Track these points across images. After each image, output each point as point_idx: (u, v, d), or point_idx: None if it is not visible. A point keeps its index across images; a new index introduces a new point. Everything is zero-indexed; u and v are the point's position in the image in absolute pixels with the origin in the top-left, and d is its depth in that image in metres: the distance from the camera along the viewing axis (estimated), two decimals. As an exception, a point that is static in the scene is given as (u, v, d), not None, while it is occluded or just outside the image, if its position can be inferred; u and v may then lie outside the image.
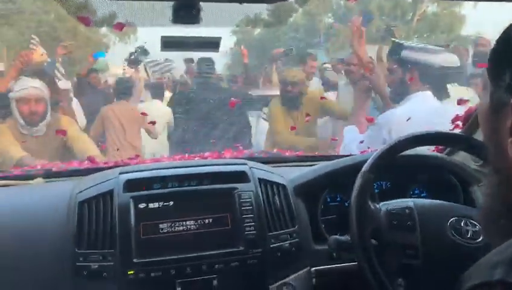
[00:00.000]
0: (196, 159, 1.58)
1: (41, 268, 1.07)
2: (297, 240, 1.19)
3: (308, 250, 1.21)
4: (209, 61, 4.07)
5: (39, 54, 3.55)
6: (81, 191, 1.16)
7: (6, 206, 1.20)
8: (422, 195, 1.38)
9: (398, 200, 1.11)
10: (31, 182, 1.37)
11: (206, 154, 1.61)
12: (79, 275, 1.05)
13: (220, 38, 1.02)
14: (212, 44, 1.02)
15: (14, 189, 1.33)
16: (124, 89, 3.88)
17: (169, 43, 1.00)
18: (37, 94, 2.59)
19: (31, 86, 2.61)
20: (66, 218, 1.11)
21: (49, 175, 1.43)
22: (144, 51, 5.09)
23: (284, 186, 1.26)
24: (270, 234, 1.17)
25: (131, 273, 1.06)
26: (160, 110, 4.15)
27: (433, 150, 1.52)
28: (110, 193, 1.14)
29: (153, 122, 3.58)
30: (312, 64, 4.50)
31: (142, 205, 1.13)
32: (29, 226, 1.13)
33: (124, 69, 5.06)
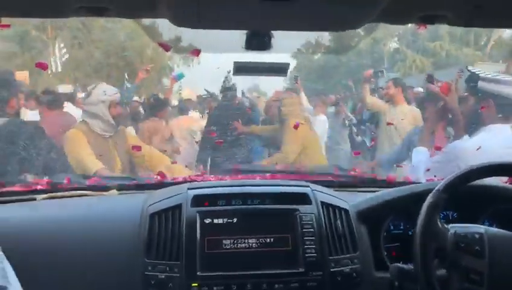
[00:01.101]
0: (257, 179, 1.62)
1: (113, 274, 1.14)
2: (358, 266, 1.18)
3: (369, 277, 1.20)
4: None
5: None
6: (152, 204, 1.24)
7: (82, 215, 1.29)
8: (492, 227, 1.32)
9: (469, 224, 1.08)
10: (105, 193, 1.47)
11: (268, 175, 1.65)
12: (147, 284, 1.11)
13: (288, 64, 1.06)
14: (281, 69, 1.06)
15: (90, 199, 1.43)
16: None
17: (241, 68, 1.06)
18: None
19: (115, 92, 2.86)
20: (137, 228, 1.19)
21: (122, 188, 1.53)
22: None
23: (346, 210, 1.26)
24: (331, 258, 1.17)
25: (195, 286, 1.10)
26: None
27: (506, 182, 1.45)
28: (178, 207, 1.20)
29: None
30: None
31: (207, 220, 1.18)
32: (102, 234, 1.21)
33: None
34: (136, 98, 5.03)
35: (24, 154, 2.24)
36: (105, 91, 2.77)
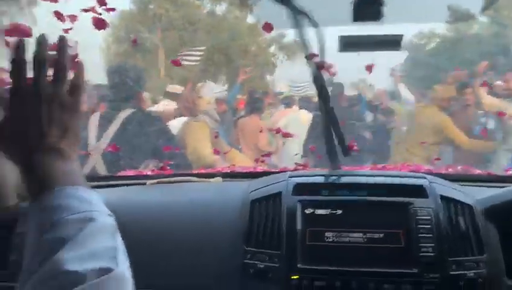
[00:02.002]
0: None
1: (213, 259, 1.12)
2: (485, 270, 1.01)
3: (498, 284, 1.02)
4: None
5: None
6: (253, 191, 1.20)
7: (187, 200, 1.31)
8: None
9: None
10: (211, 180, 1.48)
11: (379, 166, 1.52)
12: (246, 272, 1.07)
13: (401, 35, 0.94)
14: (394, 42, 0.94)
15: (195, 185, 1.45)
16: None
17: (349, 43, 0.96)
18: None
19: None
20: (238, 215, 1.16)
21: (227, 175, 1.53)
22: None
23: (470, 206, 1.09)
24: (451, 259, 1.02)
25: (295, 278, 1.04)
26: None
27: None
28: (279, 195, 1.14)
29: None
30: None
31: (309, 211, 1.11)
32: (205, 219, 1.20)
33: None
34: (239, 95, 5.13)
35: (147, 141, 2.42)
36: (212, 89, 2.88)
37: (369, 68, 1.02)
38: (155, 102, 4.60)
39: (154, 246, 1.16)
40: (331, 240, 1.08)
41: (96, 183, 1.51)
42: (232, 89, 4.96)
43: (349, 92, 4.68)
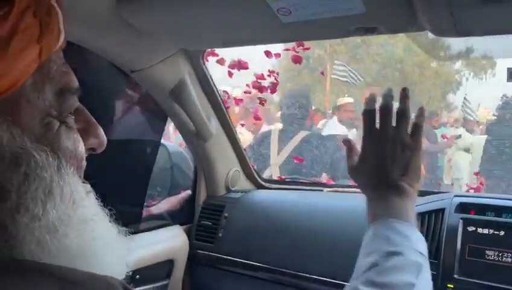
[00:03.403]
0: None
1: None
2: None
3: None
4: None
5: None
6: (418, 205, 1.32)
7: (358, 207, 1.49)
8: None
9: None
10: (357, 190, 1.64)
11: None
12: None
13: None
14: None
15: (342, 195, 1.63)
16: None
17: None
18: None
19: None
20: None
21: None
22: None
23: None
24: None
25: (451, 287, 1.13)
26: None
27: None
28: (442, 211, 1.25)
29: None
30: None
31: (470, 228, 1.19)
32: (345, 225, 1.37)
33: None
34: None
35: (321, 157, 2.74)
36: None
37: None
38: (324, 116, 4.88)
39: (323, 242, 1.38)
40: (491, 258, 1.14)
41: (279, 185, 1.82)
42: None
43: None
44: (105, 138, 0.55)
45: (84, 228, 0.49)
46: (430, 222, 1.25)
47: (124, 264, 0.54)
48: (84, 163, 0.53)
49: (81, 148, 0.52)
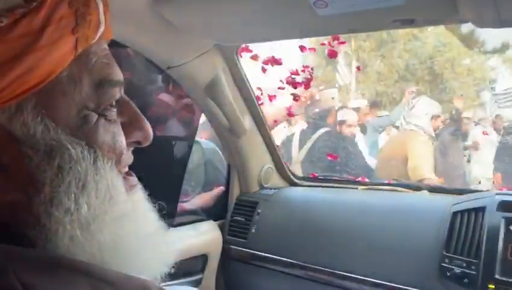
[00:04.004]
0: None
1: (412, 259, 1.26)
2: None
3: None
4: None
5: None
6: (456, 204, 1.29)
7: (393, 205, 1.47)
8: None
9: None
10: (417, 192, 1.61)
11: None
12: (443, 274, 1.18)
13: None
14: None
15: (401, 194, 1.59)
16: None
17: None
18: None
19: None
20: (439, 223, 1.27)
21: (432, 190, 1.62)
22: None
23: None
24: None
25: (492, 288, 1.09)
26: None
27: None
28: (482, 209, 1.20)
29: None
30: None
31: (513, 227, 1.14)
32: (407, 223, 1.34)
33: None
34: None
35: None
36: (428, 104, 2.89)
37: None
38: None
39: (357, 239, 1.37)
40: (537, 258, 1.09)
41: (312, 183, 1.81)
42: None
43: None
44: (151, 131, 0.54)
45: (120, 224, 0.48)
46: (470, 220, 1.21)
47: (162, 261, 0.53)
48: (126, 157, 0.52)
49: (122, 141, 0.50)
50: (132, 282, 0.46)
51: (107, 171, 0.47)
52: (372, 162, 3.32)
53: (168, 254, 0.54)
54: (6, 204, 0.44)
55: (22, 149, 0.43)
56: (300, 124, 3.67)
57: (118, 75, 0.50)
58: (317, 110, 3.90)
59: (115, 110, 0.49)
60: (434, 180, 2.78)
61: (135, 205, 0.52)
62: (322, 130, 3.10)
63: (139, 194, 0.54)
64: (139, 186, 0.54)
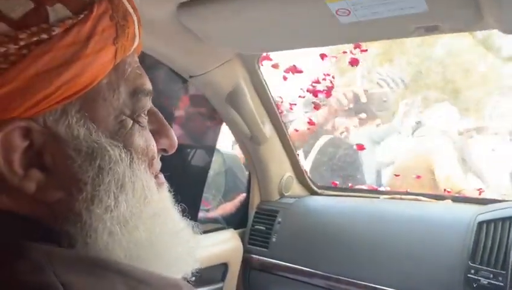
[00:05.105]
0: None
1: (437, 269, 1.23)
2: None
3: None
4: None
5: None
6: (481, 213, 1.26)
7: (417, 214, 1.44)
8: None
9: None
10: (441, 201, 1.58)
11: None
12: (469, 285, 1.15)
13: None
14: None
15: (425, 204, 1.57)
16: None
17: None
18: None
19: None
20: (464, 233, 1.24)
21: (456, 199, 1.59)
22: None
23: None
24: None
25: (520, 300, 1.06)
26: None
27: None
28: (508, 219, 1.18)
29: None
30: None
31: (542, 238, 1.11)
32: (432, 233, 1.32)
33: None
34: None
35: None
36: (447, 111, 2.86)
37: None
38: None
39: (380, 249, 1.35)
40: None
41: (334, 192, 1.79)
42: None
43: None
44: (176, 140, 0.57)
45: (153, 221, 0.51)
46: (496, 230, 1.18)
47: (194, 258, 0.56)
48: (157, 162, 0.55)
49: (153, 146, 0.54)
50: (166, 282, 0.48)
51: (142, 172, 0.50)
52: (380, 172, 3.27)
53: (197, 249, 0.58)
54: (47, 203, 0.46)
55: (65, 150, 0.46)
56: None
57: (149, 85, 0.54)
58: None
59: (146, 118, 0.53)
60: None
61: (165, 203, 0.55)
62: (325, 137, 3.06)
63: (167, 193, 0.57)
64: (166, 184, 0.58)
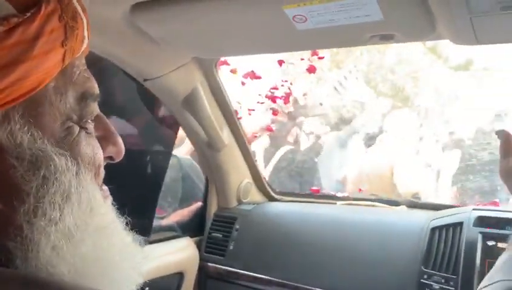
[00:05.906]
0: None
1: (390, 275, 1.25)
2: None
3: None
4: None
5: None
6: (434, 219, 1.29)
7: (372, 220, 1.46)
8: None
9: None
10: (395, 207, 1.61)
11: None
12: (421, 290, 1.17)
13: None
14: None
15: (379, 209, 1.59)
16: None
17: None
18: None
19: None
20: (417, 239, 1.27)
21: (411, 205, 1.63)
22: None
23: None
24: None
25: (470, 304, 1.09)
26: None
27: None
28: (460, 225, 1.21)
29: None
30: None
31: (490, 243, 1.15)
32: (386, 239, 1.34)
33: None
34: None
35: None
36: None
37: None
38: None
39: (336, 255, 1.35)
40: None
41: (291, 198, 1.79)
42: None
43: None
44: (123, 147, 0.55)
45: (100, 235, 0.48)
46: (448, 236, 1.21)
47: (139, 272, 0.53)
48: (103, 171, 0.53)
49: (100, 155, 0.51)
50: None
51: (88, 182, 0.48)
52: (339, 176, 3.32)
53: (143, 264, 0.55)
54: None
55: (7, 159, 0.43)
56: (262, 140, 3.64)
57: (97, 89, 0.51)
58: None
59: (93, 124, 0.51)
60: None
61: (112, 216, 0.52)
62: (285, 148, 3.12)
63: (111, 206, 0.54)
64: (110, 197, 0.55)
